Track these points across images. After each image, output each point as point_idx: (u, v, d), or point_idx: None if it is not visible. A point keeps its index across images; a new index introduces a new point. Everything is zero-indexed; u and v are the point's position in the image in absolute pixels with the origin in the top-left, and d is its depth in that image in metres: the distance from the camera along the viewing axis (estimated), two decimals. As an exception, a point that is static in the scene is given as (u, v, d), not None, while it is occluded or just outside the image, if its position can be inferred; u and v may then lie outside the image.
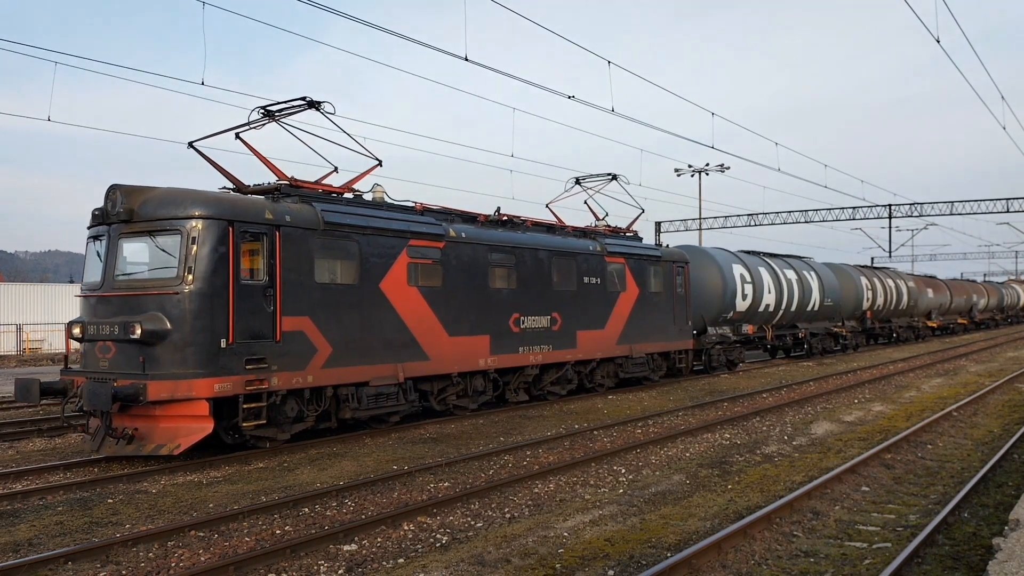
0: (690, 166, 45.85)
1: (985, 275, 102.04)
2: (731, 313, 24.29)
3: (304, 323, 11.71)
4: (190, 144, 12.85)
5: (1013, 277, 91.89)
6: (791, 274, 28.29)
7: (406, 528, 7.88)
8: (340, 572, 6.63)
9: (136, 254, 11.31)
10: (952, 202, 39.66)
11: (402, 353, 13.27)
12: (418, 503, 8.64)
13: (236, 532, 7.77)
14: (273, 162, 12.84)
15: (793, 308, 28.19)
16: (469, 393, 15.10)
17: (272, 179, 12.66)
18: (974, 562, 6.71)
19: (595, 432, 13.50)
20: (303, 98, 12.83)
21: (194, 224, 10.75)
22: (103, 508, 8.75)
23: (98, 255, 11.39)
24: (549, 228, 17.66)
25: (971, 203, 39.63)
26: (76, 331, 11.22)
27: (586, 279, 17.79)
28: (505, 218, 16.39)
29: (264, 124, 13.18)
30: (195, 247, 10.69)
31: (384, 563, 6.83)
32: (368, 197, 13.83)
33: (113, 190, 11.13)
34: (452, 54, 14.50)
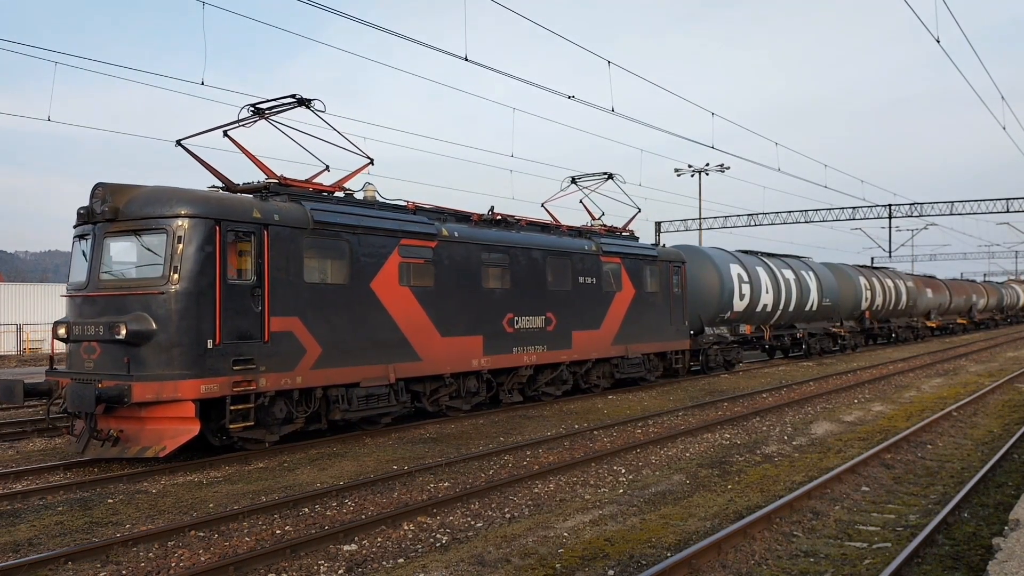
0: (690, 166, 45.86)
1: (985, 275, 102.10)
2: (728, 313, 24.24)
3: (293, 323, 11.58)
4: (178, 142, 12.70)
5: (1013, 277, 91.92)
6: (789, 274, 28.22)
7: (406, 528, 7.88)
8: (340, 572, 6.63)
9: (121, 253, 11.17)
10: (952, 202, 39.68)
11: (393, 354, 13.14)
12: (418, 503, 8.64)
13: (236, 532, 7.77)
14: (265, 161, 12.72)
15: (791, 308, 28.14)
16: (462, 394, 14.97)
17: (262, 178, 12.55)
18: (974, 562, 6.71)
19: (595, 432, 13.50)
20: (293, 95, 12.67)
21: (180, 223, 10.62)
22: (103, 508, 8.75)
23: (83, 255, 11.26)
24: (544, 228, 17.57)
25: (971, 203, 39.65)
26: (61, 331, 11.08)
27: (581, 279, 17.69)
28: (499, 217, 16.29)
29: (254, 122, 13.02)
30: (181, 246, 10.56)
31: (384, 563, 6.83)
32: (359, 196, 13.72)
33: (98, 188, 10.99)
34: (452, 54, 14.52)
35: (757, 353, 31.38)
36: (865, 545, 7.29)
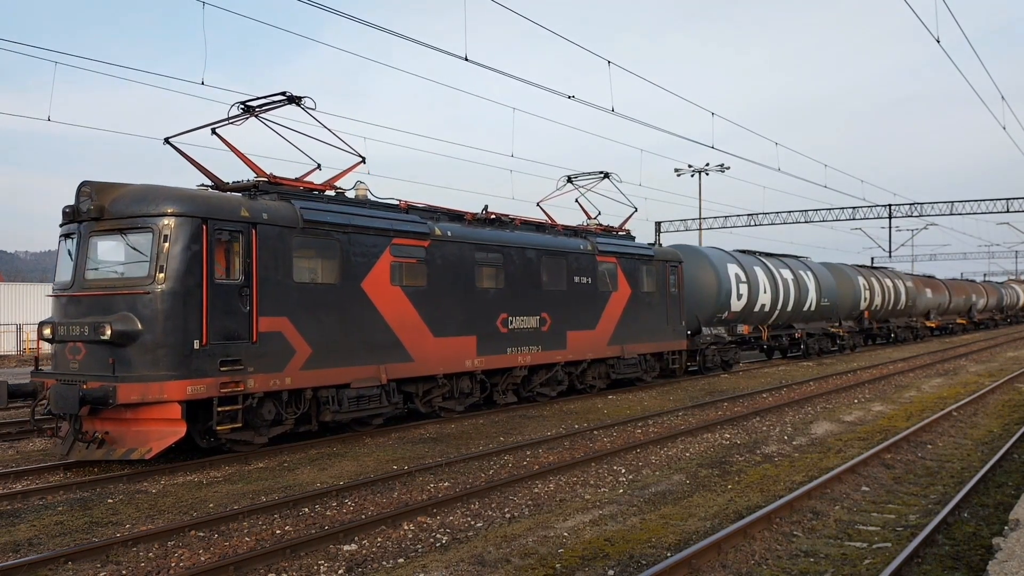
0: (690, 166, 45.85)
1: (985, 275, 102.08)
2: (726, 313, 24.15)
3: (282, 323, 11.45)
4: (167, 140, 12.53)
5: (1013, 277, 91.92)
6: (787, 274, 28.11)
7: (406, 528, 7.88)
8: (340, 572, 6.63)
9: (107, 253, 11.03)
10: (952, 202, 39.69)
11: (385, 354, 13.01)
12: (418, 503, 8.64)
13: (236, 532, 7.77)
14: (257, 159, 12.58)
15: (789, 308, 28.05)
16: (455, 395, 14.84)
17: (252, 176, 12.41)
18: (974, 562, 6.71)
19: (595, 432, 13.50)
20: (283, 93, 12.52)
21: (166, 222, 10.48)
22: (103, 508, 8.75)
23: (69, 254, 11.11)
24: (538, 227, 17.46)
25: (971, 203, 39.66)
26: (46, 332, 10.95)
27: (576, 279, 17.58)
28: (493, 216, 16.17)
29: (244, 120, 12.84)
30: (167, 245, 10.42)
31: (384, 563, 6.83)
32: (351, 195, 13.60)
33: (84, 187, 10.84)
34: (452, 54, 14.46)
35: (755, 353, 31.33)
36: (865, 545, 7.29)
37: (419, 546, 7.33)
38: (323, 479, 10.06)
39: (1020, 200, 38.43)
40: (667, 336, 20.83)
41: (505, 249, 15.74)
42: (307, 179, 13.06)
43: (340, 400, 12.36)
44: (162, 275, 10.36)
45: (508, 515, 8.37)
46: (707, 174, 45.43)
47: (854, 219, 41.94)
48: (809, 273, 29.97)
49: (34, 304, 40.16)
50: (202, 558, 6.97)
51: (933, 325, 45.54)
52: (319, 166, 13.38)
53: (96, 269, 10.88)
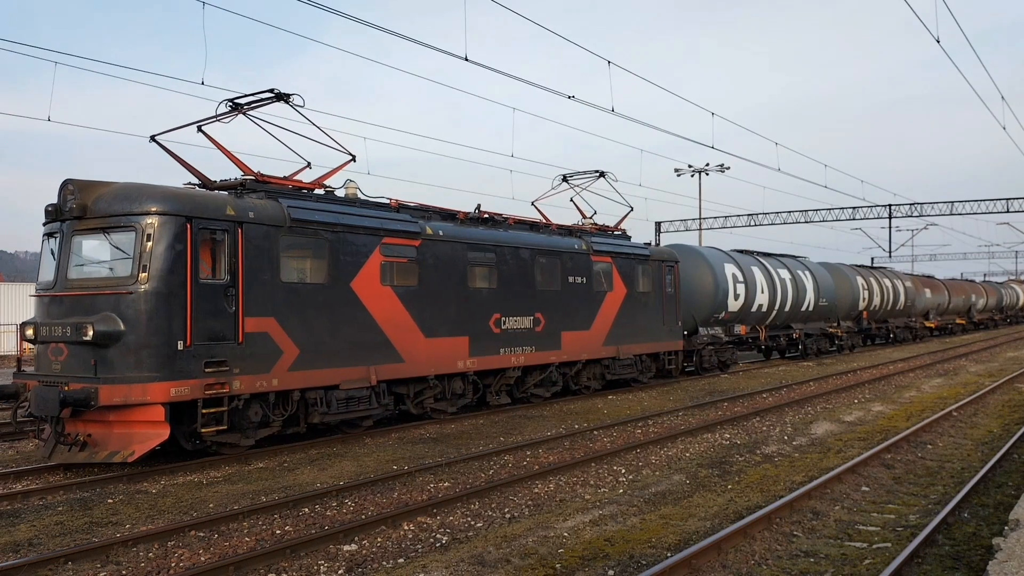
0: (690, 166, 45.87)
1: (985, 275, 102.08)
2: (723, 313, 24.05)
3: (269, 324, 11.28)
4: (152, 138, 12.33)
5: (1013, 277, 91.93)
6: (785, 274, 27.98)
7: (406, 528, 7.88)
8: (340, 572, 6.64)
9: (90, 252, 10.87)
10: (952, 202, 39.68)
11: (374, 355, 12.83)
12: (418, 503, 8.64)
13: (236, 532, 7.78)
14: (248, 157, 12.48)
15: (787, 308, 27.93)
16: (447, 396, 14.63)
17: (240, 175, 12.26)
18: (974, 562, 6.72)
19: (595, 432, 13.50)
20: (271, 90, 12.37)
21: (150, 220, 10.31)
22: (103, 508, 8.75)
23: (52, 253, 10.97)
24: (532, 226, 17.32)
25: (971, 203, 39.66)
26: (29, 332, 10.83)
27: (571, 278, 17.44)
28: (486, 216, 16.02)
29: (232, 117, 12.61)
30: (150, 244, 10.25)
31: (384, 563, 6.84)
32: (340, 193, 13.42)
33: (67, 185, 10.68)
34: (452, 54, 14.48)
35: (753, 354, 31.21)
36: (865, 545, 7.29)
37: (419, 546, 7.33)
38: (323, 479, 10.06)
39: (1020, 200, 38.45)
40: (663, 336, 20.69)
41: (498, 248, 15.58)
42: (297, 177, 12.90)
43: (329, 402, 12.18)
44: (145, 275, 10.20)
45: (508, 515, 8.37)
46: (707, 174, 45.47)
47: (854, 219, 41.93)
48: (807, 273, 29.86)
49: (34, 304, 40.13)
50: (202, 558, 6.97)
51: (932, 325, 45.53)
52: (309, 164, 13.24)
53: (79, 269, 10.71)
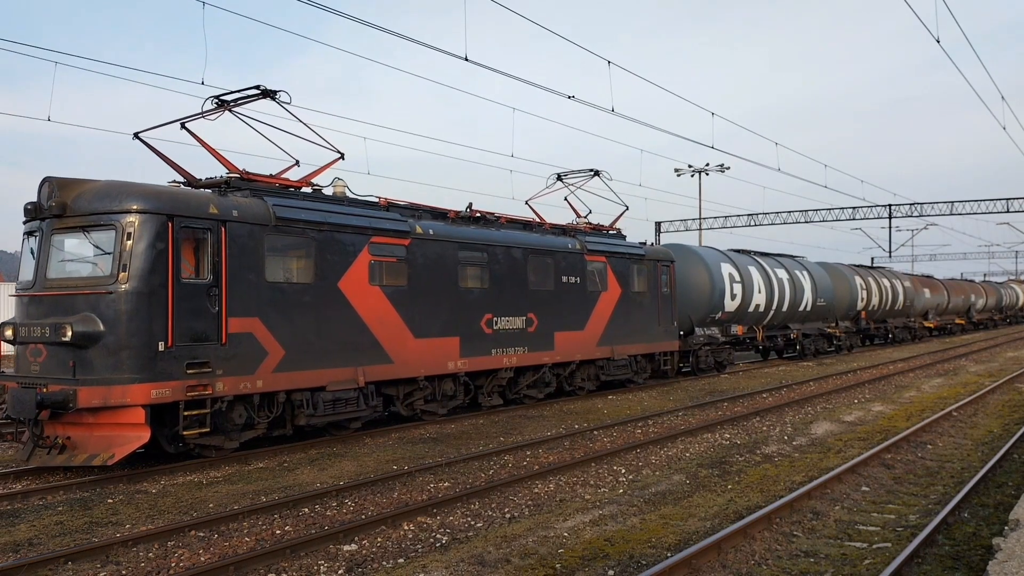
0: (690, 166, 45.85)
1: (985, 275, 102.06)
2: (719, 313, 23.90)
3: (253, 324, 11.10)
4: (136, 135, 12.12)
5: (1013, 277, 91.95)
6: (782, 273, 27.83)
7: (406, 528, 7.88)
8: (340, 572, 6.64)
9: (69, 251, 10.72)
10: (952, 202, 39.70)
11: (363, 356, 12.65)
12: (418, 503, 8.64)
13: (236, 532, 7.78)
14: (237, 156, 12.51)
15: (784, 308, 27.80)
16: (438, 397, 14.46)
17: (226, 172, 12.08)
18: (974, 562, 6.72)
19: (595, 432, 13.50)
20: (257, 86, 12.24)
21: (130, 219, 10.13)
22: (103, 508, 8.75)
23: (32, 252, 10.80)
24: (525, 225, 17.20)
25: (971, 203, 39.67)
26: (8, 333, 10.65)
27: (564, 278, 17.28)
28: (477, 215, 15.89)
29: (218, 115, 12.43)
30: (130, 243, 10.07)
31: (384, 563, 6.84)
32: (328, 191, 13.26)
33: (46, 183, 10.50)
34: (452, 54, 14.43)
35: (750, 354, 31.16)
36: (865, 545, 7.29)
37: (419, 546, 7.33)
38: (323, 479, 10.06)
39: (1020, 200, 38.46)
40: (658, 337, 20.52)
41: (490, 248, 15.39)
42: (285, 175, 12.76)
43: (315, 403, 12.00)
44: (125, 274, 10.03)
45: (508, 515, 8.37)
46: (707, 174, 45.46)
47: (854, 219, 41.95)
48: (805, 273, 29.71)
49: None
50: (202, 558, 6.97)
51: (931, 325, 45.52)
52: (297, 162, 13.11)
53: (58, 268, 10.56)
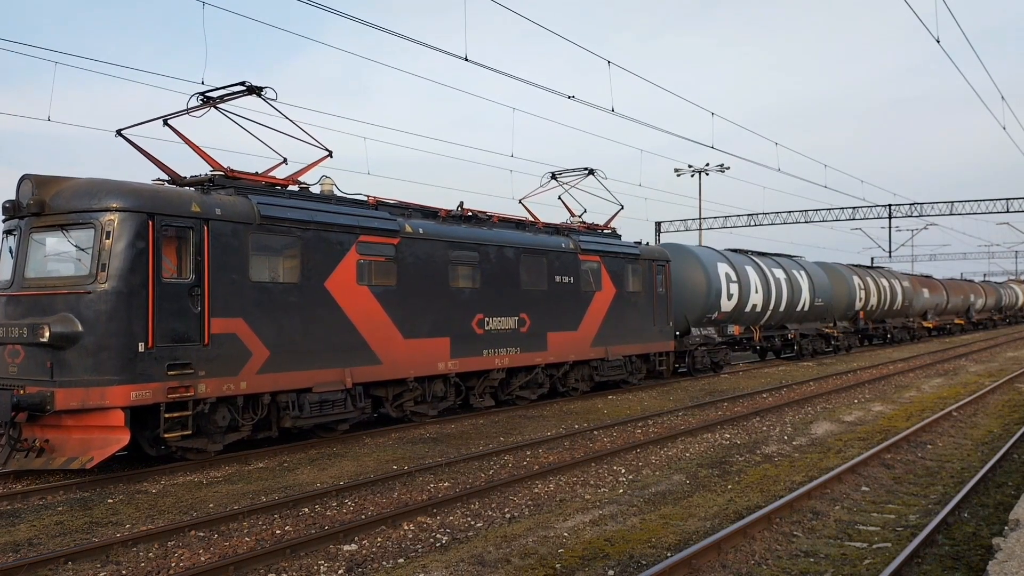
0: (690, 166, 45.85)
1: (985, 275, 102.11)
2: (716, 314, 23.78)
3: (237, 325, 10.93)
4: (118, 132, 11.93)
5: (1013, 277, 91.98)
6: (780, 273, 27.69)
7: (406, 528, 7.88)
8: (340, 572, 6.64)
9: (48, 250, 10.55)
10: (952, 202, 39.71)
11: (350, 357, 12.47)
12: (418, 503, 8.64)
13: (236, 532, 7.78)
14: (225, 154, 12.40)
15: (782, 308, 27.66)
16: (428, 399, 14.29)
17: (211, 170, 11.95)
18: (974, 562, 6.72)
19: (595, 432, 13.50)
20: (242, 83, 12.08)
21: (109, 217, 9.96)
22: (103, 508, 8.75)
23: (10, 251, 10.64)
24: (518, 224, 17.04)
25: (971, 203, 39.68)
26: None
27: (558, 278, 17.12)
28: (469, 213, 15.74)
29: (204, 111, 12.24)
30: (110, 242, 9.91)
31: (384, 563, 6.84)
32: (316, 190, 13.04)
33: (25, 180, 10.33)
34: (452, 54, 14.42)
35: (748, 355, 31.11)
36: (865, 545, 7.29)
37: (419, 546, 7.33)
38: (323, 479, 10.06)
39: (1020, 200, 38.47)
40: (654, 337, 20.37)
41: (481, 247, 15.21)
42: (272, 174, 12.63)
43: (301, 405, 11.83)
44: (104, 274, 9.88)
45: (508, 515, 8.37)
46: (707, 174, 45.45)
47: (854, 219, 41.96)
48: (802, 272, 29.55)
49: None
50: (202, 558, 6.97)
51: (930, 325, 45.50)
52: (285, 160, 12.97)
53: (36, 267, 10.41)
